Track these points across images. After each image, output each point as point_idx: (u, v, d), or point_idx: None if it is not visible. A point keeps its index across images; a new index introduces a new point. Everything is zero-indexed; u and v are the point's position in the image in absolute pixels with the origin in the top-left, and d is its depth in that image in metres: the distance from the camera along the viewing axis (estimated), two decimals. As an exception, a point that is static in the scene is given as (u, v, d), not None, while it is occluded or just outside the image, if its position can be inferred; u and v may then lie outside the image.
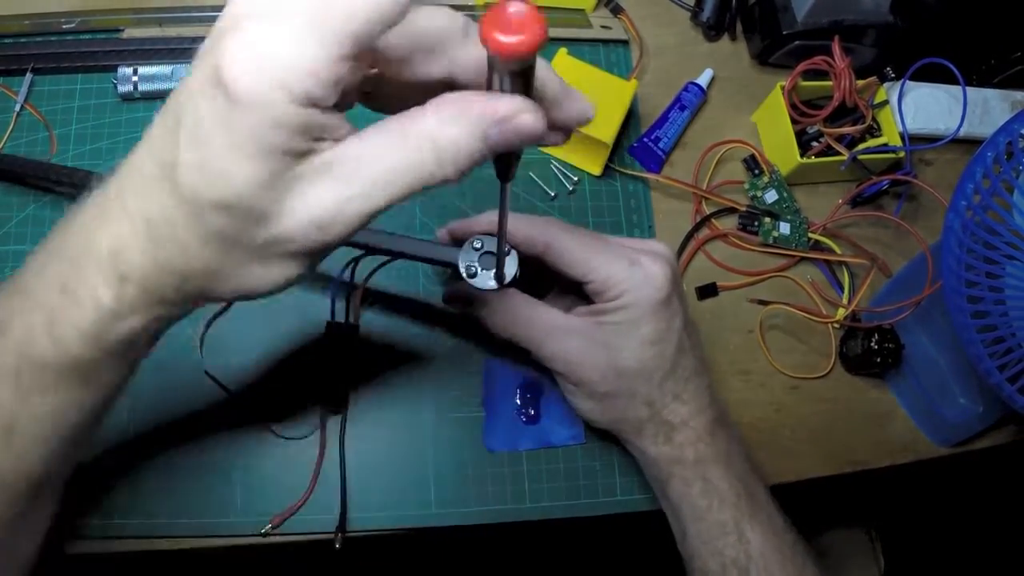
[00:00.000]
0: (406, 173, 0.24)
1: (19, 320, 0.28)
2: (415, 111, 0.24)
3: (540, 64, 0.26)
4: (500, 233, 0.39)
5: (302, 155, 0.24)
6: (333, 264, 0.53)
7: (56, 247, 0.28)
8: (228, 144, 0.23)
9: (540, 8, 0.23)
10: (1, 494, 0.31)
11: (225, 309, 0.51)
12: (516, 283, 0.45)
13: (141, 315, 0.28)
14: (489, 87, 0.26)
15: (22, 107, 0.53)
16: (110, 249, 0.27)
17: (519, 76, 0.25)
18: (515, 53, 0.22)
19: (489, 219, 0.45)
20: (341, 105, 0.25)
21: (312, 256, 0.27)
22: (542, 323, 0.44)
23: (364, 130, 0.25)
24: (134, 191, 0.26)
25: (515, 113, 0.24)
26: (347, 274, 0.51)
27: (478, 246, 0.45)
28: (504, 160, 0.30)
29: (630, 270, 0.42)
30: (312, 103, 0.23)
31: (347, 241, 0.44)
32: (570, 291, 0.47)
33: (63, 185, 0.51)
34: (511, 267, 0.44)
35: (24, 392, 0.29)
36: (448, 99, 0.24)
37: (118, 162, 0.27)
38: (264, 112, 0.22)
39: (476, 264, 0.44)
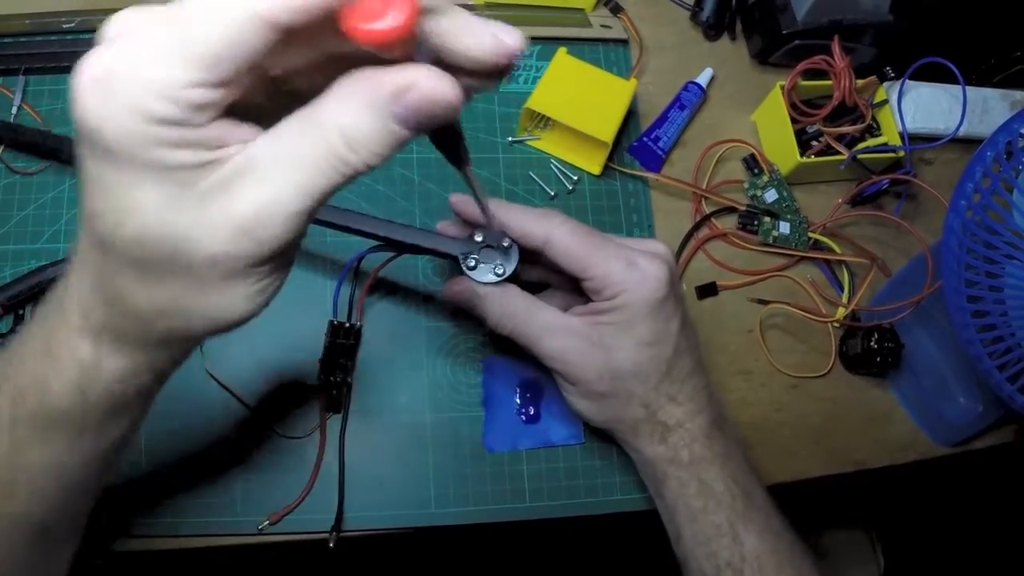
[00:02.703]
0: (322, 166, 0.23)
1: (11, 383, 0.29)
2: (320, 98, 0.23)
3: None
4: (487, 219, 0.40)
5: (202, 168, 0.22)
6: (339, 257, 0.53)
7: (39, 316, 0.30)
8: (116, 181, 0.22)
9: None
10: (7, 541, 0.32)
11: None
12: (515, 277, 0.45)
13: (121, 365, 0.28)
14: None
15: (19, 108, 0.53)
16: (79, 310, 0.27)
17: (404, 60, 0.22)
18: (385, 41, 0.20)
19: (493, 203, 0.44)
20: (242, 110, 0.24)
21: (263, 270, 0.25)
22: (540, 320, 0.44)
23: (277, 126, 0.23)
24: (77, 253, 0.27)
25: (409, 85, 0.22)
26: (352, 266, 0.50)
27: (478, 239, 0.45)
28: (442, 141, 0.28)
29: (627, 271, 0.42)
30: (177, 123, 0.21)
31: (331, 223, 0.45)
32: (570, 286, 0.47)
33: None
34: (511, 261, 0.44)
35: (20, 445, 0.30)
36: (347, 80, 0.23)
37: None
38: (128, 139, 0.21)
39: (476, 257, 0.45)
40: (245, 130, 0.24)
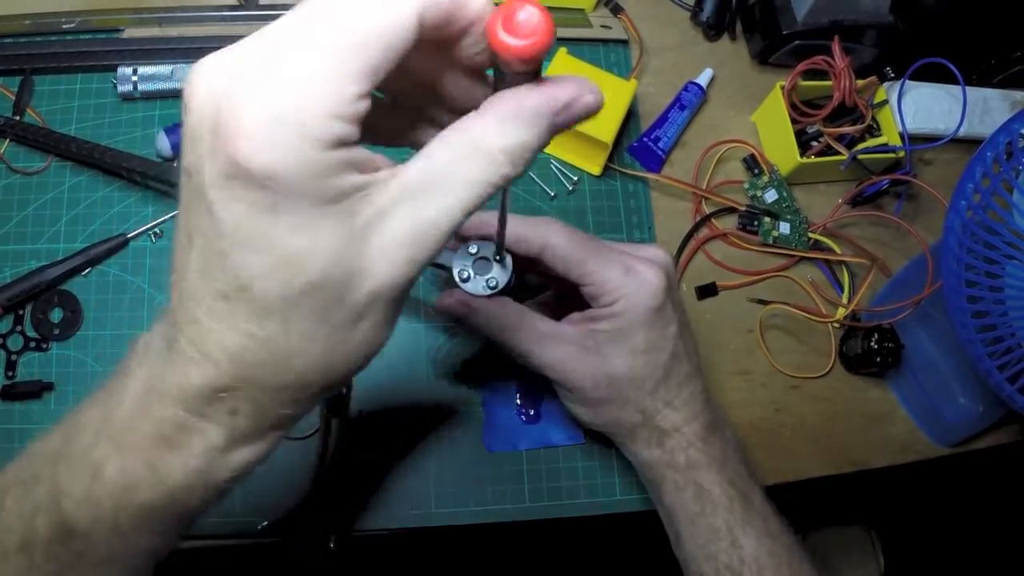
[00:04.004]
0: (482, 183, 0.23)
1: (113, 468, 0.26)
2: (472, 119, 0.23)
3: None
4: (501, 230, 0.40)
5: (365, 195, 0.22)
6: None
7: (138, 402, 0.26)
8: (289, 227, 0.21)
9: (546, 8, 0.22)
10: None
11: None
12: (509, 289, 0.45)
13: (254, 450, 0.28)
14: (496, 88, 0.25)
15: (20, 108, 0.53)
16: (202, 395, 0.25)
17: (528, 76, 0.24)
18: (527, 56, 0.22)
19: (479, 219, 0.44)
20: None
21: (407, 291, 0.25)
22: (533, 331, 0.44)
23: (425, 150, 0.23)
24: (201, 335, 0.24)
25: (576, 97, 0.24)
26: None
27: (473, 251, 0.44)
28: None
29: (625, 277, 0.42)
30: (341, 143, 0.21)
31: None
32: (568, 291, 0.47)
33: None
34: (505, 273, 0.44)
35: (122, 534, 0.28)
36: (503, 99, 0.24)
37: (136, 337, 0.27)
38: (306, 174, 0.20)
39: (470, 269, 0.44)
40: (374, 155, 0.23)
